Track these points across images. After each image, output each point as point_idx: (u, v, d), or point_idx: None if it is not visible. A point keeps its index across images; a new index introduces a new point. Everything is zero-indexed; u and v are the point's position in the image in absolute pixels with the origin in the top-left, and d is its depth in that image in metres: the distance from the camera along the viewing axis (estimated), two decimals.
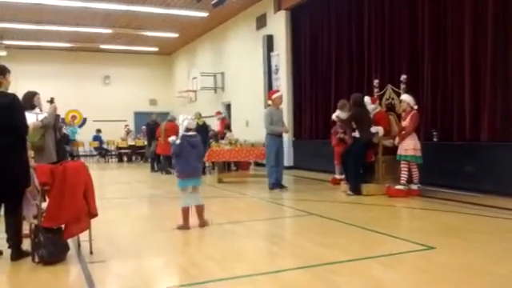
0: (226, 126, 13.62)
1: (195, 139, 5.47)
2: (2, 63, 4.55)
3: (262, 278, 3.58)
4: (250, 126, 14.64)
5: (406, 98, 7.53)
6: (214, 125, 14.70)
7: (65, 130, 11.48)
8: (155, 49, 21.17)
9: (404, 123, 7.45)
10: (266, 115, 8.65)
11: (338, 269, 3.73)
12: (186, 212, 5.37)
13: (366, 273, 3.64)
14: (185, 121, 5.42)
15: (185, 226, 5.35)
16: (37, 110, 5.76)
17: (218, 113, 14.71)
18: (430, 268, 3.70)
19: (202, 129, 12.25)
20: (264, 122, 8.65)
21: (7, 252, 4.23)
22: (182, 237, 5.19)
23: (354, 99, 7.97)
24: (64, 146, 10.21)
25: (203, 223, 5.46)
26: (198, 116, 12.50)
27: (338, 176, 9.14)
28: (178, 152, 5.40)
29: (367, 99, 8.20)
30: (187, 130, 5.42)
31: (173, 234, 5.33)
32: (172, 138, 5.58)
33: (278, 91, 9.47)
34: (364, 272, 3.66)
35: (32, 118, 5.39)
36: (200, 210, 5.46)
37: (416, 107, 7.43)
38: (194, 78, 17.92)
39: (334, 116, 8.81)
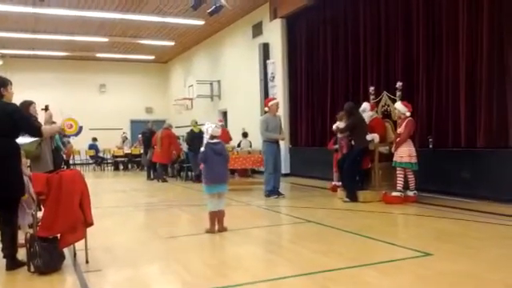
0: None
1: (219, 146, 5.58)
2: None
3: (259, 286, 3.56)
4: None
5: (397, 105, 7.62)
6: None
7: None
8: (151, 57, 21.20)
9: (399, 130, 7.48)
10: (262, 122, 8.68)
11: (335, 276, 3.72)
12: (213, 216, 5.53)
13: (364, 280, 3.64)
14: (209, 128, 5.54)
15: (211, 230, 5.51)
16: None
17: (220, 121, 14.63)
18: (427, 274, 3.69)
19: (198, 136, 12.24)
20: (260, 128, 8.68)
21: (2, 262, 4.20)
22: (178, 245, 5.17)
23: (346, 108, 8.02)
24: (61, 154, 10.16)
25: (222, 228, 5.57)
26: (194, 124, 12.50)
27: (337, 183, 9.14)
28: (202, 159, 5.54)
29: (367, 106, 8.24)
30: (212, 137, 5.54)
31: (169, 242, 5.32)
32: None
33: (274, 98, 9.51)
34: (361, 279, 3.66)
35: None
36: (221, 215, 5.58)
37: (408, 114, 7.46)
38: (190, 86, 17.93)
39: (334, 127, 8.79)
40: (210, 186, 5.56)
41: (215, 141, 5.55)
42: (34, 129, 4.41)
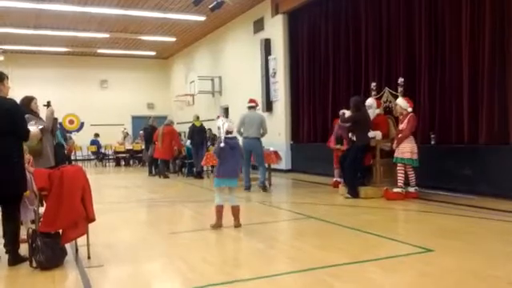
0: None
1: (234, 141, 5.71)
2: None
3: (261, 282, 3.57)
4: None
5: (399, 101, 7.59)
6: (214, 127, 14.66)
7: None
8: (153, 53, 21.19)
9: (401, 126, 7.46)
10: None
11: (336, 272, 3.73)
12: (219, 210, 5.55)
13: (365, 276, 3.64)
14: (225, 124, 5.66)
15: (217, 224, 5.52)
16: (32, 122, 5.71)
17: (219, 117, 14.57)
18: (429, 271, 3.70)
19: (200, 131, 12.25)
20: (266, 125, 9.18)
21: (5, 257, 4.22)
22: (180, 241, 5.18)
23: (354, 102, 7.94)
24: (63, 150, 10.16)
25: (238, 224, 5.61)
26: (196, 118, 12.50)
27: (339, 179, 9.13)
28: (219, 154, 5.61)
29: (373, 102, 8.16)
30: (227, 132, 5.64)
31: (171, 238, 5.32)
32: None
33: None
34: (363, 275, 3.66)
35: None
36: (236, 210, 5.63)
37: (410, 110, 7.44)
38: (191, 82, 17.93)
39: (341, 112, 8.68)
40: (221, 179, 5.63)
41: (230, 136, 5.67)
42: (24, 133, 4.37)
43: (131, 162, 18.37)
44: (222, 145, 5.58)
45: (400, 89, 7.87)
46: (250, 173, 9.27)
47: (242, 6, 14.15)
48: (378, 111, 8.17)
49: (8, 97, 4.39)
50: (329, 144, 9.44)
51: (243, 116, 9.19)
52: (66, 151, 15.61)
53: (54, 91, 17.83)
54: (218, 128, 5.78)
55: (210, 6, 12.49)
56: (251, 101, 9.42)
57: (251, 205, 7.81)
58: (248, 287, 3.49)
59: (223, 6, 12.67)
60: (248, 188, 9.13)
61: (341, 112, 8.59)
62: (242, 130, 8.99)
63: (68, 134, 17.46)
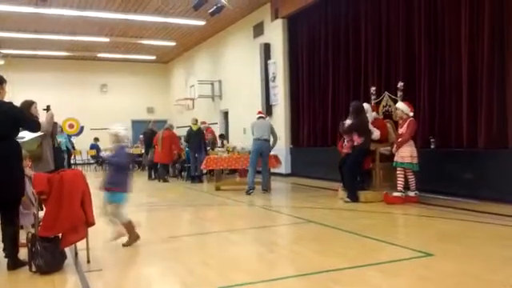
0: (220, 135, 13.73)
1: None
2: None
3: (260, 286, 3.56)
4: (247, 133, 14.64)
5: (400, 105, 7.58)
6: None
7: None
8: (152, 57, 21.21)
9: (401, 130, 7.46)
10: None
11: (336, 276, 3.72)
12: (130, 225, 4.98)
13: (366, 280, 3.64)
14: (123, 131, 5.03)
15: (135, 238, 5.00)
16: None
17: (203, 123, 14.31)
18: (429, 275, 3.69)
19: (197, 134, 12.24)
20: (275, 132, 9.66)
21: (4, 261, 4.21)
22: (179, 245, 5.17)
23: (355, 108, 7.90)
24: (63, 155, 10.15)
25: (136, 238, 5.03)
26: (194, 122, 12.50)
27: None
28: (126, 164, 4.97)
29: (368, 107, 8.15)
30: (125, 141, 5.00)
31: (170, 241, 5.31)
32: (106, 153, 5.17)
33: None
34: (363, 279, 3.66)
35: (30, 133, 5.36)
36: (130, 226, 4.99)
37: (411, 114, 7.44)
38: (191, 86, 17.95)
39: (341, 124, 8.63)
40: (126, 193, 4.92)
41: (125, 144, 4.98)
42: (35, 125, 4.52)
43: (131, 166, 18.33)
44: (125, 152, 4.91)
45: (400, 93, 7.88)
46: (255, 176, 9.28)
47: (242, 10, 14.19)
48: (374, 114, 8.17)
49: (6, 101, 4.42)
50: (344, 149, 9.27)
51: (253, 124, 9.58)
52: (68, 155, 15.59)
53: (54, 95, 17.81)
54: (115, 135, 5.00)
55: (210, 11, 12.51)
56: (259, 112, 10.16)
57: (251, 209, 7.81)
58: None
59: (223, 11, 12.70)
60: (252, 189, 9.12)
61: (341, 124, 8.57)
62: (253, 135, 9.45)
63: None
